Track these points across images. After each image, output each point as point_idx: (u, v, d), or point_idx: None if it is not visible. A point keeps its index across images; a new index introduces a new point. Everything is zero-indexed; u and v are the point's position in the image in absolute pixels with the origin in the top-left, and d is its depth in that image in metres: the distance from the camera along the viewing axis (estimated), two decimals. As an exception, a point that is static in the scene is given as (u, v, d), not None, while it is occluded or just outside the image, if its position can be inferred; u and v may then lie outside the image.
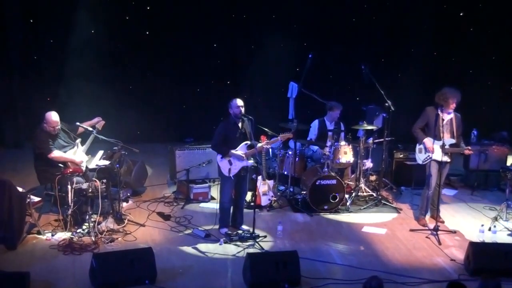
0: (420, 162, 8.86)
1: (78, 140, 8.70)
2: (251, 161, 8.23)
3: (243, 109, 8.09)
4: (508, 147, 9.16)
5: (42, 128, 8.43)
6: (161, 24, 12.43)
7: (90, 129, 8.79)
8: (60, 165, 8.35)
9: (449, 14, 13.02)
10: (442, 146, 8.41)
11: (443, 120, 8.55)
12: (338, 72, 12.77)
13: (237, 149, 8.14)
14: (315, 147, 10.20)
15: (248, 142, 8.17)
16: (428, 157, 8.66)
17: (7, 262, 7.26)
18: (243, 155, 8.13)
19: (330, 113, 10.13)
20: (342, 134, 10.12)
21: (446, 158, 8.59)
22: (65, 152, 8.48)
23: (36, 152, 8.42)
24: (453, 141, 8.63)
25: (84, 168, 8.49)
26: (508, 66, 13.05)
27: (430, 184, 8.70)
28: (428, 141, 8.64)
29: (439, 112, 8.53)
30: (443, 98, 8.49)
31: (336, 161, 9.58)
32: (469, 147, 8.87)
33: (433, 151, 8.57)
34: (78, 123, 8.78)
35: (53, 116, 8.37)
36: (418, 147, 8.84)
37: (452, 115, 8.65)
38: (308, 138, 10.24)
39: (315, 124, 10.25)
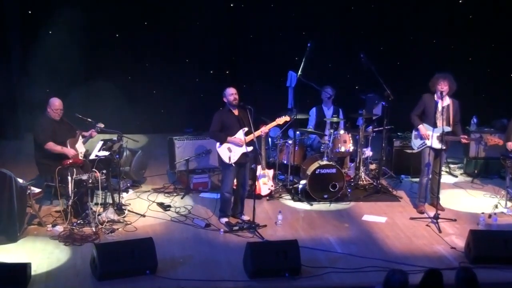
0: (415, 148, 8.89)
1: (79, 131, 8.71)
2: (250, 147, 8.22)
3: (236, 96, 8.12)
4: (503, 137, 9.17)
5: (46, 115, 8.49)
6: (160, 14, 12.39)
7: (90, 120, 8.80)
8: (60, 155, 8.36)
9: (448, 1, 12.97)
10: (442, 134, 8.42)
11: (442, 107, 8.56)
12: (337, 61, 12.73)
13: (235, 135, 8.15)
14: (314, 136, 10.20)
15: (246, 128, 8.17)
16: (423, 144, 8.67)
17: (8, 254, 7.27)
18: (241, 141, 8.13)
19: (323, 98, 10.15)
20: (342, 123, 10.12)
21: (442, 146, 8.59)
22: (64, 141, 8.47)
23: (37, 141, 8.43)
24: (449, 128, 8.62)
25: (81, 157, 8.50)
26: (507, 53, 13.01)
27: (427, 171, 8.71)
28: (422, 127, 8.65)
29: (436, 98, 8.54)
30: (432, 81, 8.58)
31: (336, 150, 9.58)
32: (466, 136, 8.88)
33: (427, 137, 8.58)
34: (77, 114, 8.78)
35: (57, 100, 8.46)
36: (413, 133, 8.87)
37: (449, 102, 8.64)
38: (308, 127, 10.24)
39: (313, 111, 10.26)
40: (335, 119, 9.89)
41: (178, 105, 12.81)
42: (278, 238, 7.87)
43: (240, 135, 8.17)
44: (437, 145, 8.59)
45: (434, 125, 8.52)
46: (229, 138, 8.14)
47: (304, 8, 12.68)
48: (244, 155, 8.21)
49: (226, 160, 8.14)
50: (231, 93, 8.13)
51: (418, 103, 8.78)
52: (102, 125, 8.86)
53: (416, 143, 8.83)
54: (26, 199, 7.75)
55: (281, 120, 8.59)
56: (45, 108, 8.52)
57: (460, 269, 5.57)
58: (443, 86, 8.47)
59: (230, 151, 8.12)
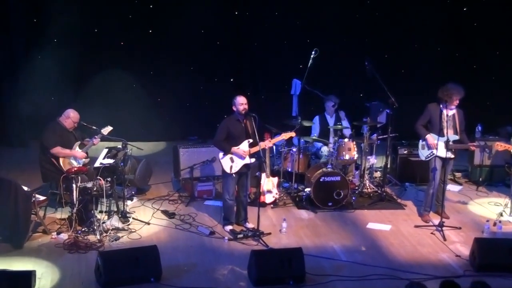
0: (423, 158, 8.85)
1: (77, 143, 8.72)
2: (253, 159, 8.23)
3: (246, 106, 8.10)
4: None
5: (59, 122, 8.62)
6: (164, 22, 12.41)
7: (94, 127, 8.83)
8: (56, 164, 8.42)
9: (453, 9, 12.98)
10: (447, 142, 8.41)
11: (447, 115, 8.56)
12: (341, 69, 12.73)
13: (239, 146, 8.15)
14: (319, 144, 10.21)
15: (251, 140, 8.17)
16: (431, 153, 8.65)
17: (13, 261, 7.29)
18: (245, 153, 8.13)
19: (326, 107, 10.15)
20: (348, 131, 10.11)
21: (449, 154, 8.58)
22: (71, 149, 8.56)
23: (44, 143, 8.50)
24: (457, 137, 8.61)
25: (83, 164, 8.55)
26: (512, 61, 13.02)
27: (434, 180, 8.69)
28: (430, 137, 8.63)
29: (442, 107, 8.53)
30: (447, 94, 8.46)
31: (340, 157, 9.58)
32: (474, 143, 8.87)
33: (435, 147, 8.56)
34: (82, 122, 8.82)
35: (76, 113, 8.67)
36: (421, 143, 8.83)
37: (454, 111, 8.63)
38: (312, 135, 10.25)
39: (316, 120, 10.28)
40: (339, 127, 9.89)
41: (183, 113, 12.84)
42: (282, 246, 7.87)
43: (244, 146, 8.17)
44: (444, 154, 8.56)
45: (441, 134, 8.50)
46: (233, 149, 8.13)
47: (308, 16, 12.70)
48: (245, 166, 8.22)
49: (227, 170, 8.14)
50: (241, 103, 8.10)
51: (423, 114, 8.76)
52: (110, 128, 8.89)
53: (424, 153, 8.79)
54: (30, 206, 7.77)
55: (287, 135, 8.63)
56: (58, 115, 8.65)
57: (474, 284, 5.43)
58: (457, 102, 8.48)
59: (232, 162, 8.13)
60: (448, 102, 8.47)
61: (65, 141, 8.55)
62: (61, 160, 8.47)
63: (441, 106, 8.55)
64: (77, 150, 8.62)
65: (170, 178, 10.43)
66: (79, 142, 8.75)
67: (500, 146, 8.79)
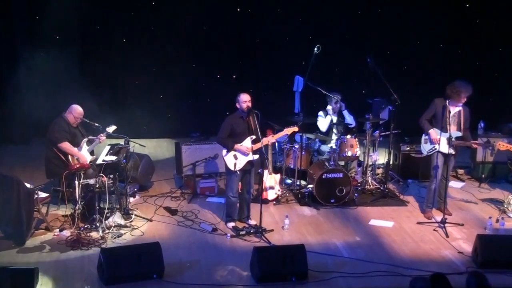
0: (424, 153, 8.85)
1: (85, 139, 8.75)
2: (256, 156, 8.23)
3: (249, 104, 8.10)
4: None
5: (64, 117, 8.65)
6: (166, 19, 12.40)
7: (97, 125, 8.84)
8: (64, 159, 8.43)
9: (455, 5, 12.95)
10: (449, 139, 8.40)
11: (450, 112, 8.53)
12: (343, 65, 12.73)
13: (242, 143, 8.15)
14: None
15: (254, 137, 8.17)
16: (433, 148, 8.64)
17: (16, 258, 7.31)
18: (248, 150, 8.13)
19: (331, 105, 10.14)
20: (352, 125, 10.09)
21: (451, 151, 8.57)
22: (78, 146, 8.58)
23: (52, 139, 8.51)
24: (459, 134, 8.60)
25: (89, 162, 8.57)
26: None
27: (436, 176, 8.68)
28: (433, 132, 8.62)
29: (447, 104, 8.50)
30: (455, 91, 8.43)
31: (342, 154, 9.57)
32: (476, 141, 8.86)
33: (438, 142, 8.55)
34: (85, 119, 8.82)
35: (80, 108, 8.69)
36: (423, 137, 8.82)
37: (460, 108, 8.61)
38: (319, 117, 10.17)
39: (321, 113, 10.20)
40: (342, 122, 9.87)
41: (185, 109, 12.83)
42: (285, 243, 7.88)
43: (247, 143, 8.17)
44: (447, 150, 8.55)
45: (444, 130, 8.48)
46: (236, 146, 8.13)
47: (310, 13, 12.68)
48: (249, 162, 8.22)
49: (231, 168, 8.13)
50: (244, 100, 8.10)
51: (429, 108, 8.74)
52: (114, 127, 8.90)
53: (426, 147, 8.79)
54: (33, 203, 7.78)
55: (289, 130, 8.60)
56: (63, 111, 8.67)
57: (470, 275, 5.49)
58: (465, 100, 8.47)
59: (236, 159, 8.13)
60: (455, 100, 8.44)
61: (72, 136, 8.58)
62: (69, 155, 8.49)
63: (447, 102, 8.52)
64: (83, 154, 8.60)
65: (172, 175, 10.43)
66: (86, 139, 8.76)
67: (502, 146, 8.76)
